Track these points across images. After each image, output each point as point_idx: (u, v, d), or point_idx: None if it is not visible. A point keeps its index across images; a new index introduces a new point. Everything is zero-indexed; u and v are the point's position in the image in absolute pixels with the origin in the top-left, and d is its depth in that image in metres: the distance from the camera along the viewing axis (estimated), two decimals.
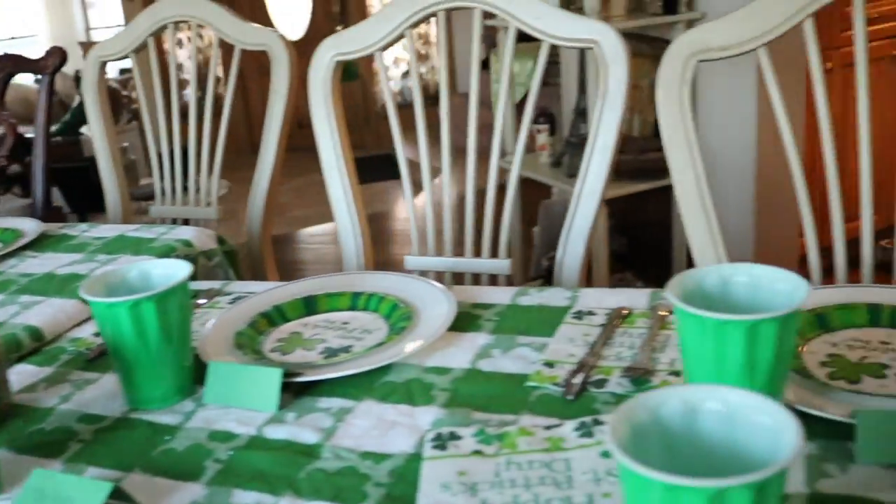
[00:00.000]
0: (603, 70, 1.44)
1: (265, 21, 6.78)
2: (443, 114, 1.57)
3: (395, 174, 1.59)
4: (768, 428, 0.61)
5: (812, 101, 1.30)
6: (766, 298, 0.83)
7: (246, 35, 1.89)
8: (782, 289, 0.82)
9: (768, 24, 1.26)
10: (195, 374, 1.05)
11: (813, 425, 0.84)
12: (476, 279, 1.62)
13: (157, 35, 2.01)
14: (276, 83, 1.86)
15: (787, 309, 0.77)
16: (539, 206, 3.38)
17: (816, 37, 1.26)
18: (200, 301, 1.31)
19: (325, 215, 1.70)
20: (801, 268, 1.28)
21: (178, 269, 1.03)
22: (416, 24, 1.57)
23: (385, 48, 1.60)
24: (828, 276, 1.31)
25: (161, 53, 2.06)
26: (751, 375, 0.78)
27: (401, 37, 1.58)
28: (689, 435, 0.65)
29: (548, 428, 0.87)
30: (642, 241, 3.20)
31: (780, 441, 0.59)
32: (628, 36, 3.03)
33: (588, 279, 3.20)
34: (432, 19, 1.57)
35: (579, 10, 2.72)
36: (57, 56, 2.38)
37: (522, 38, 1.51)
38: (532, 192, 3.34)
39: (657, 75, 1.32)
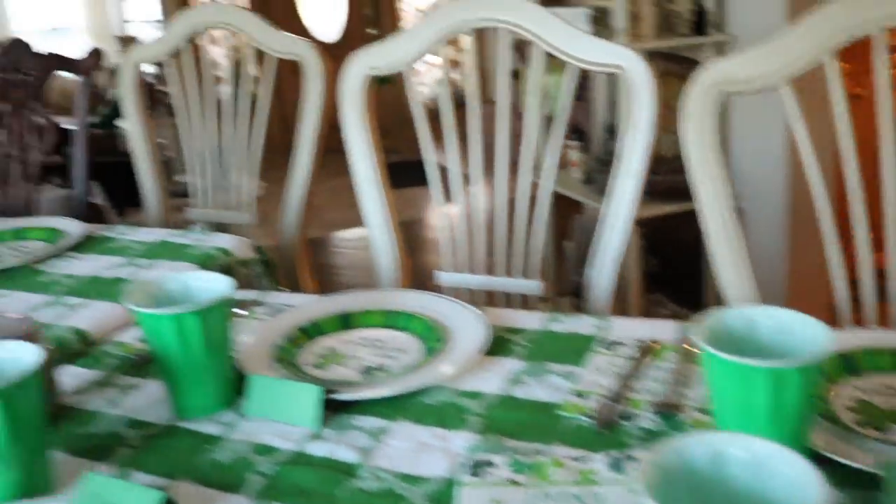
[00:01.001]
0: (629, 96, 1.46)
1: (298, 24, 6.78)
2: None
3: (425, 180, 1.61)
4: (791, 478, 0.64)
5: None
6: (791, 343, 0.86)
7: (279, 44, 1.92)
8: (808, 334, 0.85)
9: (790, 59, 1.27)
10: (236, 386, 1.09)
11: (837, 472, 0.87)
12: (506, 295, 1.64)
13: (192, 39, 2.05)
14: (309, 94, 1.87)
15: (812, 358, 0.79)
16: (572, 221, 3.39)
17: (840, 75, 1.27)
18: (238, 311, 1.34)
19: (360, 219, 1.72)
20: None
21: (220, 283, 1.07)
22: (446, 43, 1.59)
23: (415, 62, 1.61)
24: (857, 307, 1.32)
25: (196, 51, 2.08)
26: (777, 420, 0.81)
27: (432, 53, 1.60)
28: (718, 481, 0.68)
29: (577, 460, 0.91)
30: (675, 262, 3.21)
31: (805, 493, 0.62)
32: (658, 55, 3.06)
33: (621, 300, 3.21)
34: None
35: (608, 29, 2.73)
36: (95, 58, 2.46)
37: None
38: (563, 206, 3.36)
39: (683, 109, 1.34)
